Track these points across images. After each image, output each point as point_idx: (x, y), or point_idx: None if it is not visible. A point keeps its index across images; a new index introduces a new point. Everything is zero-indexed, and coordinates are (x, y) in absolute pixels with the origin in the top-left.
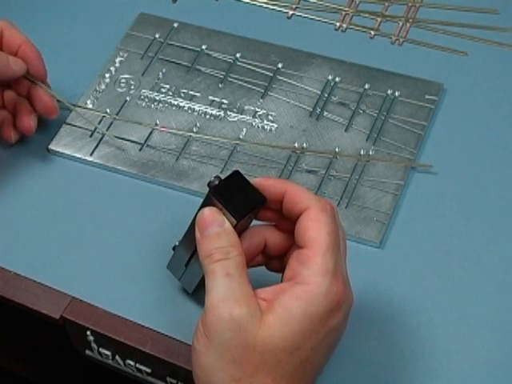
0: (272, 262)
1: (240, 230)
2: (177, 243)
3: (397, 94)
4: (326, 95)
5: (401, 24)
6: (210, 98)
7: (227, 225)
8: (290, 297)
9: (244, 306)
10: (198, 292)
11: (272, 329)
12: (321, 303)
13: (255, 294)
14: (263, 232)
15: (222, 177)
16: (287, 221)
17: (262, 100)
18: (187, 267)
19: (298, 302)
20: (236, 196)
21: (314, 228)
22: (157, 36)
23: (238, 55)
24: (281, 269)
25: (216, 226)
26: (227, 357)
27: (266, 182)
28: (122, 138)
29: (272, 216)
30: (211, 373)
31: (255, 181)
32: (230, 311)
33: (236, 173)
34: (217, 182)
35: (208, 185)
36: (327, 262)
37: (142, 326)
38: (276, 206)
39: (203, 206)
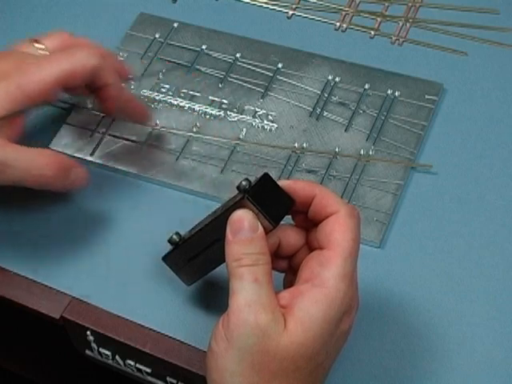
0: (278, 262)
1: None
2: (174, 236)
3: (397, 93)
4: (326, 95)
5: (401, 24)
6: (210, 97)
7: (260, 231)
8: (309, 300)
9: (270, 313)
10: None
11: (294, 335)
12: (338, 307)
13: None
14: (277, 232)
15: (251, 179)
16: (305, 221)
17: (261, 100)
18: (189, 262)
19: (317, 305)
20: (269, 200)
21: (341, 231)
22: (157, 36)
23: (237, 55)
24: (286, 269)
25: (250, 230)
26: (247, 362)
27: (295, 184)
28: (122, 138)
29: (295, 217)
30: (229, 377)
31: (285, 183)
32: (256, 317)
33: (265, 175)
34: (247, 186)
35: (238, 188)
36: (348, 266)
37: (142, 326)
38: (303, 208)
39: (232, 209)
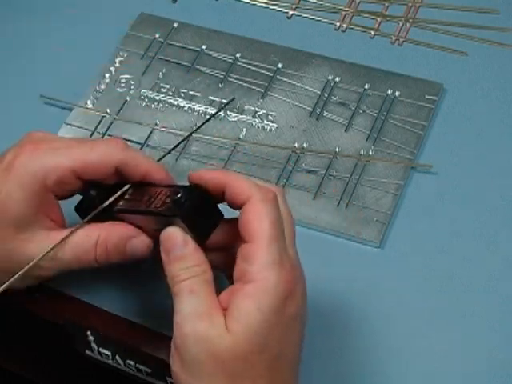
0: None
1: None
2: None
3: (397, 93)
4: (326, 95)
5: (401, 24)
6: (210, 97)
7: (191, 244)
8: (241, 297)
9: (206, 320)
10: None
11: (235, 335)
12: (273, 296)
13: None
14: None
15: (181, 191)
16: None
17: (261, 100)
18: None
19: (249, 300)
20: (200, 219)
21: (256, 220)
22: (157, 36)
23: (237, 55)
24: (220, 265)
25: (182, 246)
26: (201, 372)
27: (205, 175)
28: (122, 138)
29: None
30: None
31: (195, 176)
32: (194, 327)
33: (196, 187)
34: (182, 200)
35: (173, 201)
36: (272, 253)
37: (142, 326)
38: (219, 199)
39: (165, 219)
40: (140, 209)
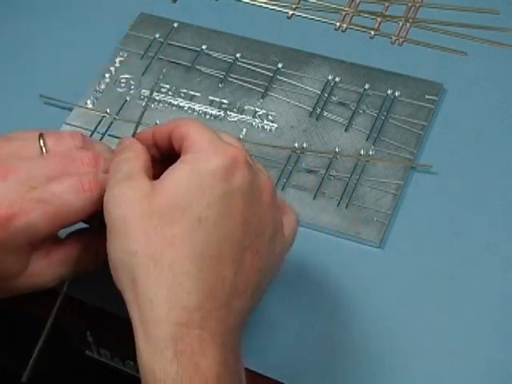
0: None
1: None
2: None
3: (397, 93)
4: (326, 95)
5: (401, 24)
6: (210, 98)
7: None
8: (177, 164)
9: (132, 181)
10: None
11: (162, 190)
12: (210, 160)
13: None
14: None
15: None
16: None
17: (261, 100)
18: None
19: (184, 164)
20: None
21: (193, 132)
22: (157, 36)
23: (237, 55)
24: None
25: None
26: (120, 235)
27: (155, 134)
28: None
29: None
30: (113, 257)
31: (142, 136)
32: (123, 191)
33: None
34: None
35: None
36: (210, 134)
37: None
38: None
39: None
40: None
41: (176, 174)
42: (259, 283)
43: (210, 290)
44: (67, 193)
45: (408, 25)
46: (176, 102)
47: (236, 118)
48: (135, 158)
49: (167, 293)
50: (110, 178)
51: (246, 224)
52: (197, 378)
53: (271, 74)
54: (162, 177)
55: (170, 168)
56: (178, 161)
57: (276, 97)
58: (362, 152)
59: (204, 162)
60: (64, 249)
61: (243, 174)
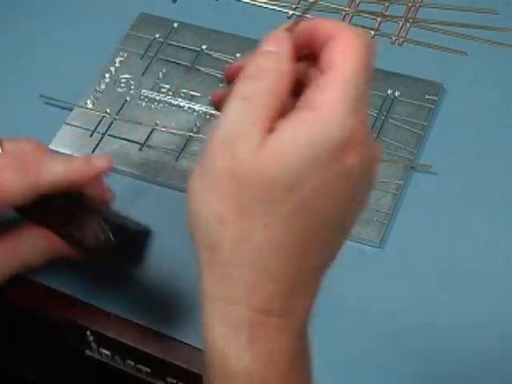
0: None
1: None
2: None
3: (397, 93)
4: None
5: (401, 24)
6: (210, 98)
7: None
8: (296, 121)
9: (242, 129)
10: None
11: (267, 155)
12: (332, 132)
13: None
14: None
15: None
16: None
17: None
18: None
19: (304, 125)
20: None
21: (341, 51)
22: (157, 36)
23: (237, 55)
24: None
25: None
26: (215, 190)
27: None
28: (122, 138)
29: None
30: (198, 207)
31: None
32: (225, 133)
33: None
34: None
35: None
36: (351, 89)
37: (142, 326)
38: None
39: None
40: (60, 231)
41: (289, 142)
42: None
43: (294, 278)
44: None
45: (408, 25)
46: (176, 102)
47: None
48: (262, 95)
49: (250, 276)
50: (234, 94)
51: (348, 208)
52: (271, 366)
53: None
54: (274, 137)
55: (286, 125)
56: (302, 115)
57: None
58: None
59: (326, 134)
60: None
61: (355, 157)
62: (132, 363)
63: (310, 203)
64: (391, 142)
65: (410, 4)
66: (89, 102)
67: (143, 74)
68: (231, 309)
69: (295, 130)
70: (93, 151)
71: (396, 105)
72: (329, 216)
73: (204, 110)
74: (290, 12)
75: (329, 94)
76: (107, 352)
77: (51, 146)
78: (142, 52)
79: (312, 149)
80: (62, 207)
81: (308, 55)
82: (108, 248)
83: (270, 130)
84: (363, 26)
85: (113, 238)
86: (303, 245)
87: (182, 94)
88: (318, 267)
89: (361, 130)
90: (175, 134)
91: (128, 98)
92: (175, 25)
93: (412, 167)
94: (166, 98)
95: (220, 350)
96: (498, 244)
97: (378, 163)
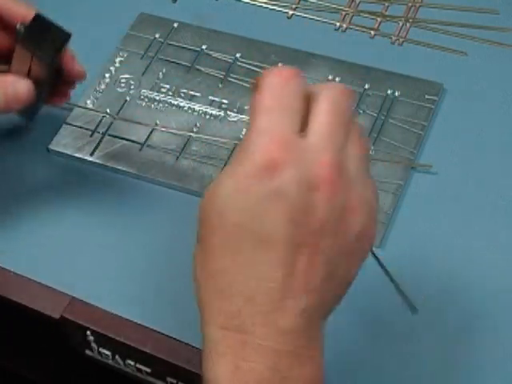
0: None
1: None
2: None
3: (397, 93)
4: None
5: (401, 24)
6: (210, 98)
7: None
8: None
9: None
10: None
11: (207, 194)
12: (246, 158)
13: None
14: None
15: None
16: None
17: None
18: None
19: (227, 168)
20: (41, 40)
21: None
22: (157, 36)
23: (237, 55)
24: None
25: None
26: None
27: None
28: (122, 138)
29: None
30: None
31: None
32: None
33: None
34: (22, 29)
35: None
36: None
37: (142, 325)
38: None
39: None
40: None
41: (219, 178)
42: (328, 276)
43: (250, 295)
44: None
45: (408, 25)
46: (176, 102)
47: (236, 118)
48: None
49: (209, 298)
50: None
51: (292, 223)
52: (236, 381)
53: None
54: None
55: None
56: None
57: None
58: None
59: (241, 161)
60: None
61: (284, 173)
62: (132, 363)
63: (240, 226)
64: (391, 142)
65: (410, 4)
66: (89, 101)
67: (143, 74)
68: (205, 328)
69: (222, 173)
70: (93, 151)
71: (396, 105)
72: (268, 234)
73: (204, 109)
74: (290, 12)
75: (248, 131)
76: (107, 352)
77: (51, 146)
78: (142, 52)
79: (233, 180)
80: None
81: None
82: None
83: None
84: (363, 26)
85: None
86: (250, 264)
87: (182, 94)
88: (284, 283)
89: (277, 151)
90: (175, 133)
91: (128, 98)
92: (175, 25)
93: (412, 167)
94: (165, 98)
95: (203, 367)
96: (498, 244)
97: (321, 163)
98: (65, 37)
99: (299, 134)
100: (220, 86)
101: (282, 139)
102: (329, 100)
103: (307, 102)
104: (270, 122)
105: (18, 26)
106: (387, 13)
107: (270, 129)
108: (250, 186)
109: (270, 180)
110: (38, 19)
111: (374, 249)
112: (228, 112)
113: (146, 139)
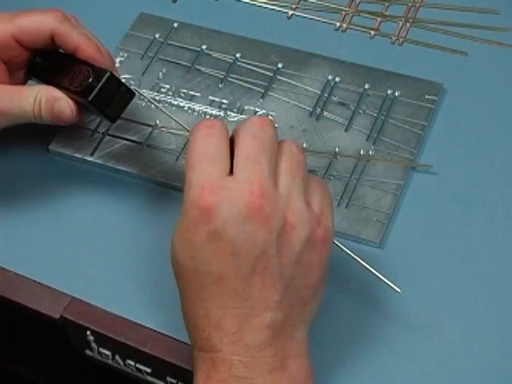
0: None
1: None
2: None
3: (397, 93)
4: (326, 95)
5: (401, 24)
6: (210, 98)
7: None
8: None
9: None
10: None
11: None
12: (186, 202)
13: None
14: None
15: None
16: None
17: (261, 100)
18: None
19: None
20: (109, 99)
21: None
22: (157, 36)
23: (237, 55)
24: None
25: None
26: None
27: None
28: (122, 138)
29: None
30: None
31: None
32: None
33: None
34: (93, 85)
35: (85, 85)
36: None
37: (142, 325)
38: None
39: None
40: (60, 84)
41: (174, 229)
42: (286, 290)
43: (216, 322)
44: None
45: (408, 25)
46: (176, 102)
47: (236, 118)
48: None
49: (190, 329)
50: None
51: (236, 256)
52: None
53: (271, 74)
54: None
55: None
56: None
57: (276, 97)
58: (362, 152)
59: (183, 215)
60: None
61: (217, 215)
62: (132, 363)
63: (195, 269)
64: (391, 142)
65: (410, 4)
66: None
67: (143, 74)
68: (192, 352)
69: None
70: (93, 151)
71: (396, 105)
72: (220, 270)
73: (204, 110)
74: (290, 12)
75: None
76: (107, 352)
77: (51, 146)
78: (142, 52)
79: (180, 231)
80: (59, 62)
81: None
82: (93, 95)
83: None
84: (363, 26)
85: (98, 85)
86: (210, 298)
87: (182, 94)
88: (245, 306)
89: (208, 196)
90: (175, 133)
91: None
92: (175, 25)
93: (412, 167)
94: (166, 98)
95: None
96: (498, 244)
97: (244, 191)
98: (130, 96)
99: (228, 176)
100: (220, 85)
101: (211, 185)
102: (244, 132)
103: (232, 143)
104: (198, 173)
105: (37, 59)
106: (387, 13)
107: (198, 179)
108: (192, 235)
109: (206, 225)
110: (111, 79)
111: (374, 247)
112: (228, 112)
113: (146, 139)
